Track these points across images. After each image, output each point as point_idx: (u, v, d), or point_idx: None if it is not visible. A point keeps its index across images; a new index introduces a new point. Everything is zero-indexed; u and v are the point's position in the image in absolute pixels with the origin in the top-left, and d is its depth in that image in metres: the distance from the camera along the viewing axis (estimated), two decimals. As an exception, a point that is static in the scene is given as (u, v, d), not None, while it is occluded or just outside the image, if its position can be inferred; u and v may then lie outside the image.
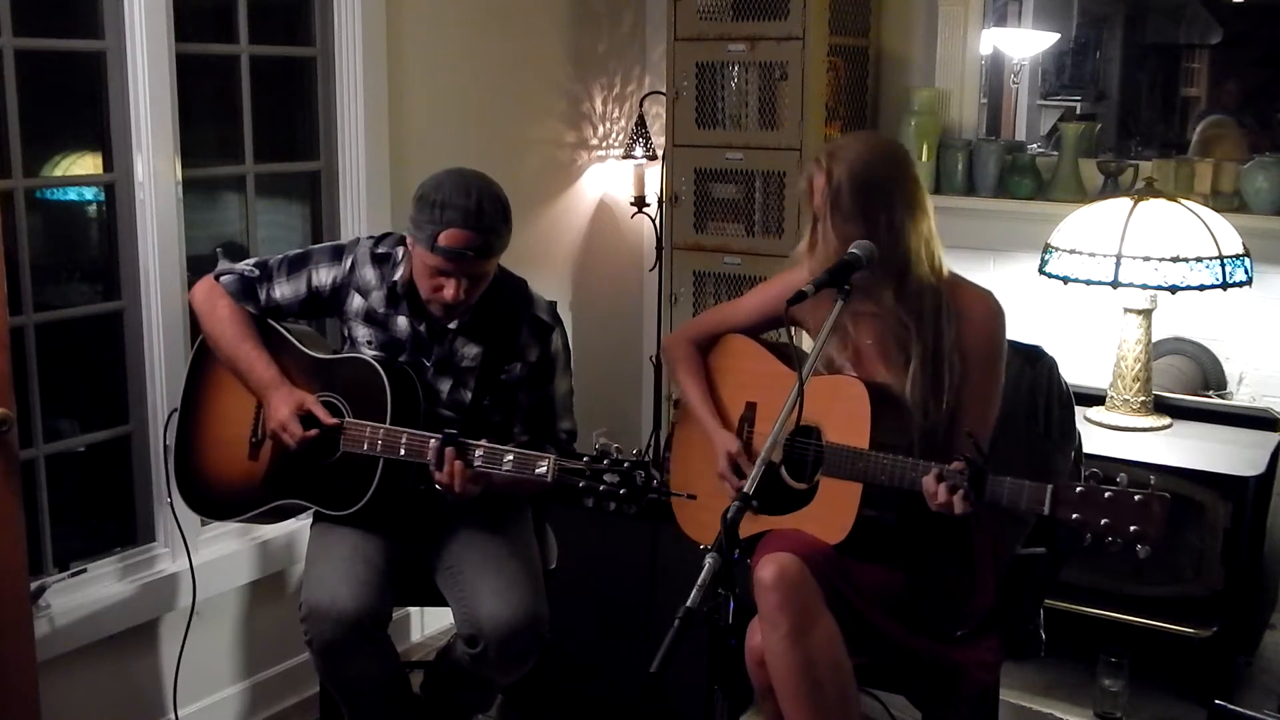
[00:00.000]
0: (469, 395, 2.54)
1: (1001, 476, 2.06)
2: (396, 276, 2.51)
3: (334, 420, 2.44)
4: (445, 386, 2.55)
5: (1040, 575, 2.48)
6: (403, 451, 2.40)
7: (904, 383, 2.28)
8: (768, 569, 2.17)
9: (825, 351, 2.35)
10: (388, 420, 2.42)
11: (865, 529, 2.24)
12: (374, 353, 2.54)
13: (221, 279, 2.59)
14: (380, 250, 2.56)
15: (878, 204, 2.26)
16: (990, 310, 2.34)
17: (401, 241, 2.54)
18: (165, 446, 2.73)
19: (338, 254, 2.58)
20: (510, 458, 2.33)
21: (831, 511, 2.27)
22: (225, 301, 2.56)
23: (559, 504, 3.06)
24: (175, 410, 2.67)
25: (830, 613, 2.18)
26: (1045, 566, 2.46)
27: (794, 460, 2.37)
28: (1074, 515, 1.98)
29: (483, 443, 2.35)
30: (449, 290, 2.40)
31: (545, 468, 2.29)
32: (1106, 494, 1.96)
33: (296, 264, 2.58)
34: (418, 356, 2.53)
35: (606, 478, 2.23)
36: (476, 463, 2.34)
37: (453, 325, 2.53)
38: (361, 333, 2.56)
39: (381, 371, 2.46)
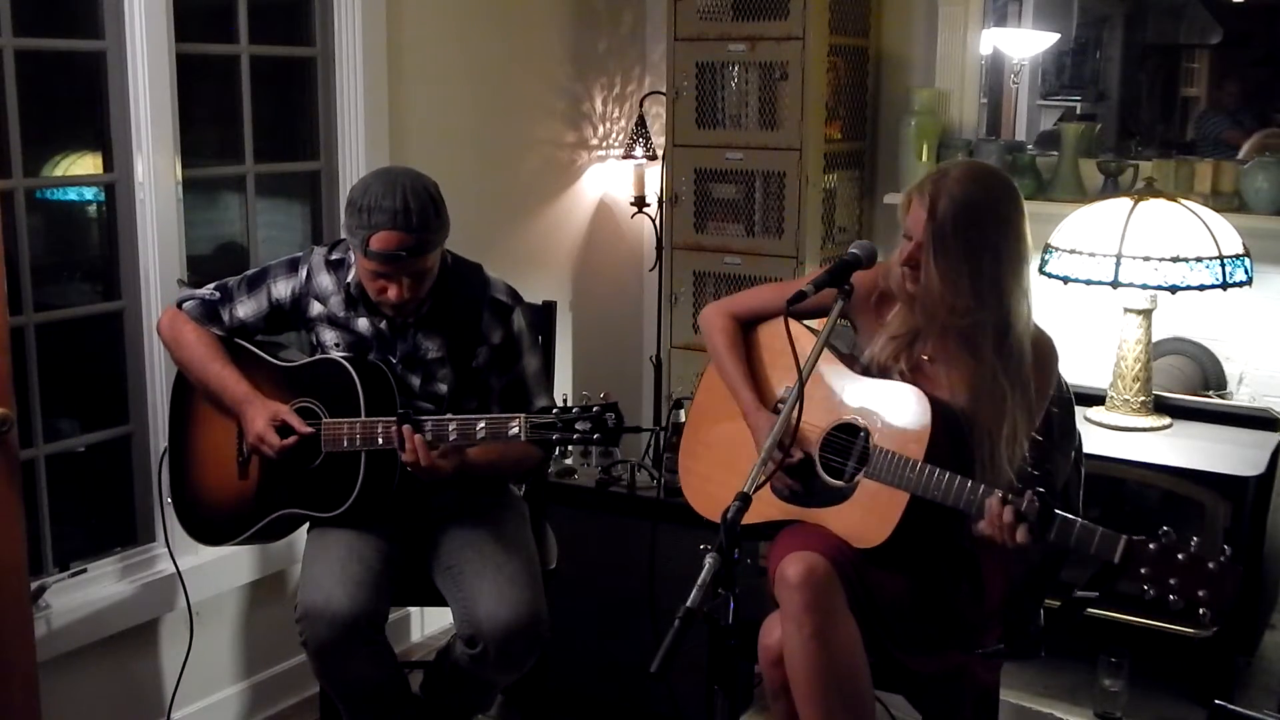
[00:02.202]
0: (443, 387, 2.56)
1: (1073, 517, 2.03)
2: (350, 279, 2.53)
3: (308, 429, 2.46)
4: (416, 381, 2.56)
5: (1073, 615, 2.47)
6: (380, 440, 2.41)
7: (998, 435, 2.21)
8: (794, 567, 2.14)
9: (878, 355, 2.33)
10: (362, 414, 2.43)
11: (892, 536, 2.22)
12: (343, 353, 2.55)
13: (184, 306, 2.61)
14: (334, 257, 2.58)
15: (981, 248, 2.18)
16: (1054, 359, 2.33)
17: None
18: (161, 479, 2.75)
19: (293, 266, 2.60)
20: (482, 424, 2.34)
21: (869, 516, 2.23)
22: (190, 327, 2.58)
23: (560, 504, 3.07)
24: (165, 450, 2.69)
25: (852, 615, 2.17)
26: (1078, 609, 2.45)
27: (832, 456, 2.33)
28: (1143, 570, 1.95)
29: (448, 416, 2.38)
30: (392, 291, 2.42)
31: (518, 427, 2.31)
32: (1180, 556, 1.93)
33: (255, 281, 2.60)
34: (384, 354, 2.55)
35: (578, 425, 2.28)
36: (436, 435, 2.36)
37: (411, 320, 2.54)
38: (329, 336, 2.58)
39: (350, 368, 2.47)
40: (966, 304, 2.20)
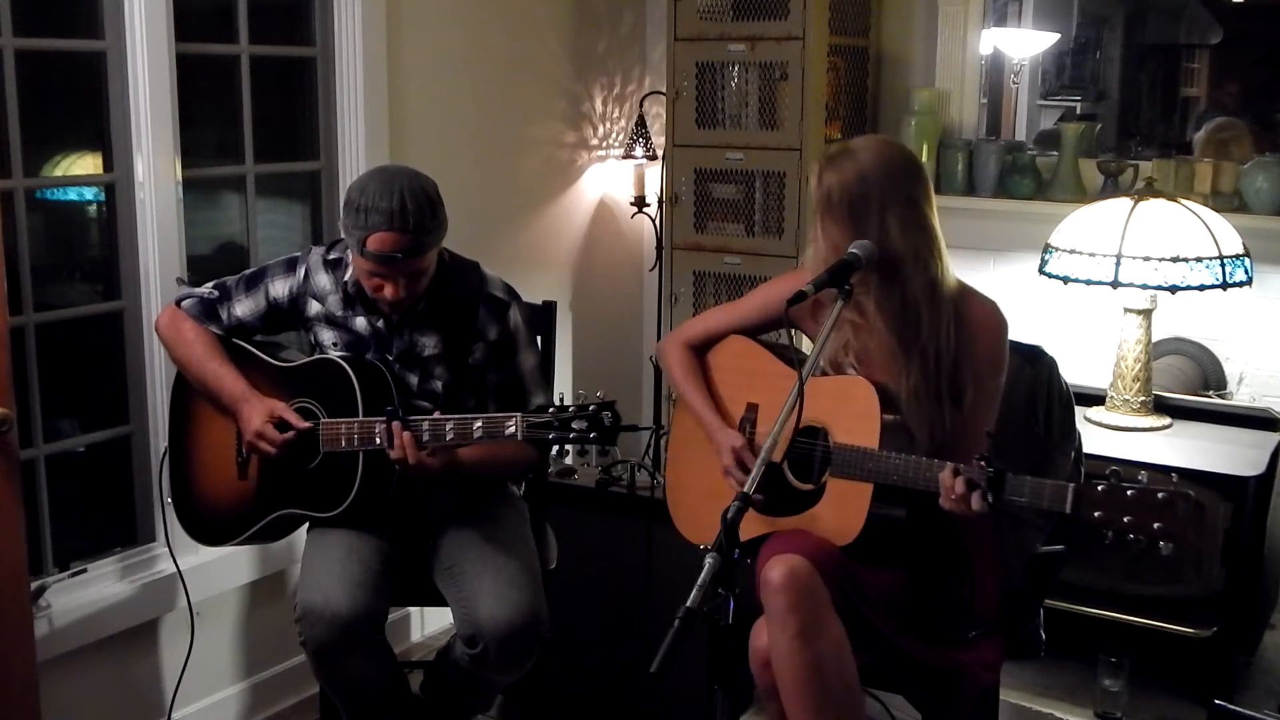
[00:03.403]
0: (439, 385, 2.56)
1: (1021, 476, 2.05)
2: (347, 278, 2.53)
3: (306, 424, 2.46)
4: (414, 379, 2.56)
5: (1043, 576, 2.48)
6: (378, 440, 2.41)
7: (903, 396, 2.26)
8: (777, 570, 2.15)
9: (829, 352, 2.35)
10: (360, 414, 2.44)
11: (871, 530, 2.24)
12: (341, 353, 2.55)
13: (182, 304, 2.61)
14: (331, 256, 2.58)
15: (867, 215, 2.23)
16: (996, 325, 2.32)
17: None
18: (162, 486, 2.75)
19: (291, 265, 2.60)
20: (479, 423, 2.35)
21: (840, 513, 2.26)
22: (189, 325, 2.59)
23: (560, 504, 3.08)
24: (165, 450, 2.69)
25: (837, 615, 2.18)
26: (1048, 568, 2.46)
27: (799, 461, 2.36)
28: (1096, 514, 1.97)
29: (436, 415, 2.39)
30: (388, 290, 2.43)
31: (514, 427, 2.32)
32: (1129, 492, 1.95)
33: (253, 280, 2.60)
34: (381, 353, 2.55)
35: (575, 424, 2.29)
36: (433, 435, 2.37)
37: (409, 316, 2.54)
38: (326, 336, 2.58)
39: (348, 368, 2.47)
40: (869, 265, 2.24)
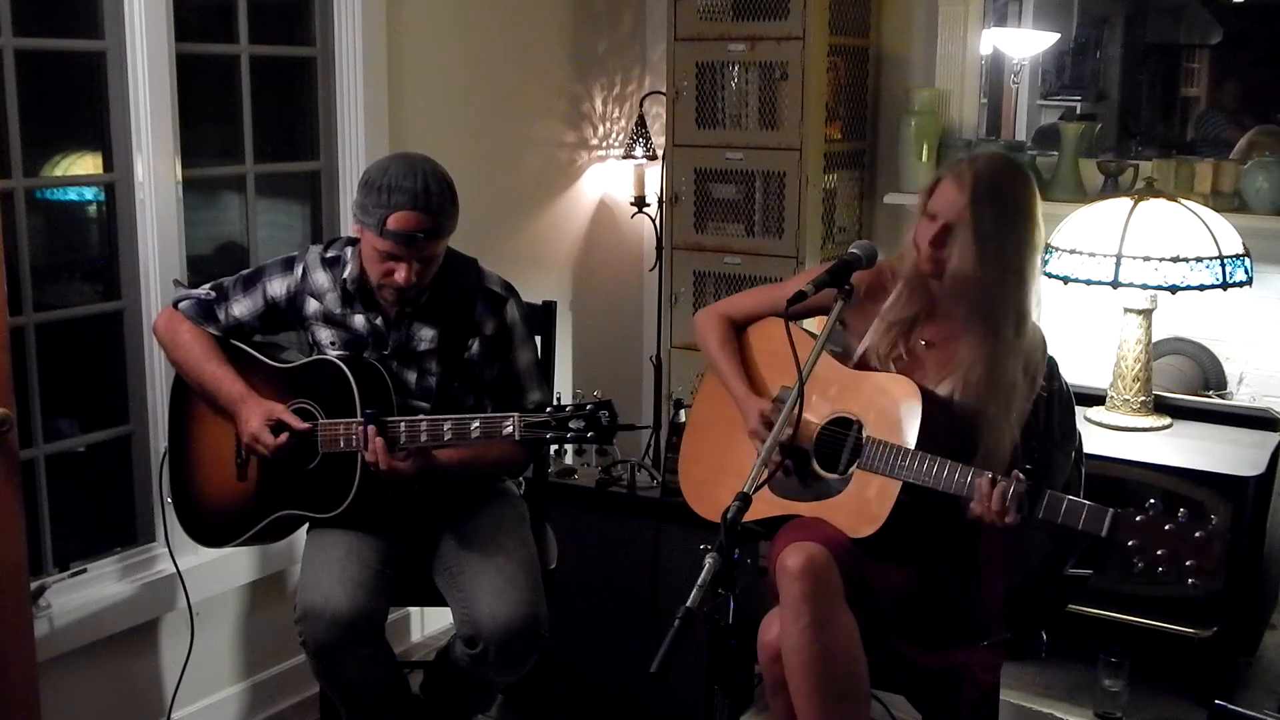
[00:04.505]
0: (434, 381, 2.56)
1: (1061, 494, 2.06)
2: (346, 275, 2.53)
3: (304, 425, 2.46)
4: (412, 377, 2.56)
5: (1067, 595, 2.49)
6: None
7: (1005, 416, 2.26)
8: (794, 557, 2.16)
9: (874, 345, 2.36)
10: (358, 414, 2.44)
11: (888, 524, 2.24)
12: (339, 352, 2.55)
13: (180, 306, 2.61)
14: (330, 254, 2.58)
15: (1008, 233, 2.25)
16: (1043, 346, 2.38)
17: (351, 242, 2.56)
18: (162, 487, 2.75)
19: (289, 264, 2.60)
20: (477, 424, 2.35)
21: (864, 505, 2.26)
22: (186, 326, 2.59)
23: (560, 504, 3.07)
24: (165, 451, 2.69)
25: (850, 608, 2.19)
26: (1073, 588, 2.47)
27: (827, 450, 2.35)
28: (1131, 541, 1.98)
29: (433, 416, 2.39)
30: (400, 273, 2.42)
31: (512, 427, 2.33)
32: (1168, 526, 1.96)
33: (251, 280, 2.61)
34: (379, 351, 2.55)
35: (572, 424, 2.30)
36: (430, 435, 2.37)
37: (408, 310, 2.54)
38: (324, 335, 2.58)
39: (345, 368, 2.47)
40: (998, 282, 2.26)
